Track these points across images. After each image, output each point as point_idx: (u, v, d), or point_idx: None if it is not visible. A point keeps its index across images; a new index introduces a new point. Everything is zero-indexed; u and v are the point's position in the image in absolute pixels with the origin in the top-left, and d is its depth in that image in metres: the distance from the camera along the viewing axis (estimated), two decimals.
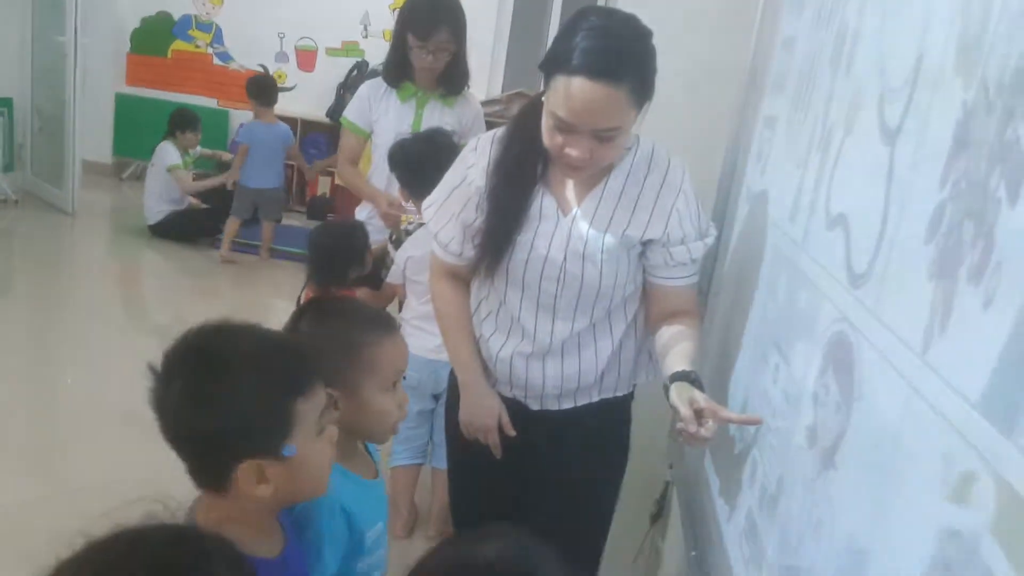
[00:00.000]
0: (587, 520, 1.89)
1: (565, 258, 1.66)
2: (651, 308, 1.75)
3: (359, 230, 2.84)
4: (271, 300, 5.54)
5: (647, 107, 1.54)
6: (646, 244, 1.67)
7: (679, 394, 1.45)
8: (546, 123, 1.55)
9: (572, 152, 1.52)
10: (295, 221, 6.81)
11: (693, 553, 1.73)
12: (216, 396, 1.04)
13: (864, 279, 0.96)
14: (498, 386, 1.84)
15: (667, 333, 1.67)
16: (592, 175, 1.65)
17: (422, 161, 2.51)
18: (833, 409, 1.01)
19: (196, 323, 1.09)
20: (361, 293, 2.78)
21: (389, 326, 1.44)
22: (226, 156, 6.78)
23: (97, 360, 4.27)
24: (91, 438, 3.38)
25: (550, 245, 1.66)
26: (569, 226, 1.67)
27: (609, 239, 1.64)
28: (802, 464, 1.12)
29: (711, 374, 1.77)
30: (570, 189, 1.69)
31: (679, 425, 1.39)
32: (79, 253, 6.23)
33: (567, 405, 1.81)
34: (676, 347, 1.61)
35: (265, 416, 1.06)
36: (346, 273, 2.71)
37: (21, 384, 3.91)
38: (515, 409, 1.82)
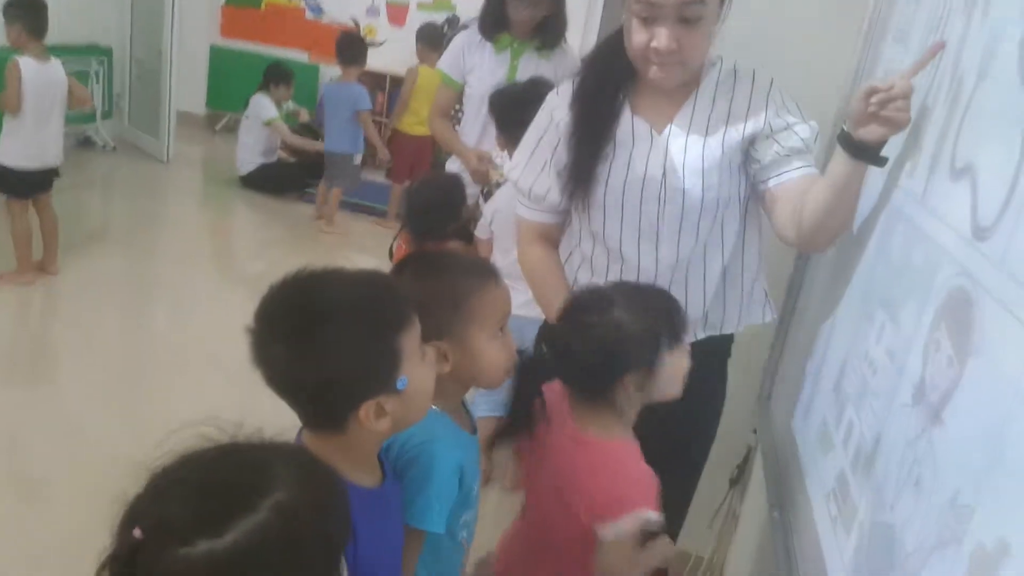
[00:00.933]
0: (679, 466, 1.85)
1: (664, 174, 1.65)
2: (782, 216, 1.62)
3: (457, 184, 2.88)
4: (356, 254, 5.65)
5: (729, 2, 1.56)
6: (751, 145, 1.65)
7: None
8: (629, 25, 1.56)
9: (658, 44, 1.52)
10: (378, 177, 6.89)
11: (776, 514, 1.72)
12: (323, 347, 1.05)
13: (991, 231, 0.94)
14: None
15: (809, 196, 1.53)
16: (679, 90, 1.65)
17: (523, 105, 2.48)
18: (945, 364, 0.99)
19: (284, 273, 1.11)
20: (452, 246, 2.81)
21: (490, 273, 1.43)
22: (304, 115, 6.87)
23: (186, 306, 4.43)
24: (177, 381, 3.53)
25: (647, 164, 1.66)
26: (665, 143, 1.66)
27: (711, 145, 1.63)
28: (904, 422, 1.10)
29: (806, 338, 1.73)
30: (660, 109, 1.69)
31: (873, 101, 1.28)
32: (173, 201, 6.45)
33: None
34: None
35: (375, 358, 1.09)
36: (444, 226, 2.75)
37: (113, 326, 4.08)
38: None
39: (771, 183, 1.64)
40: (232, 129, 7.95)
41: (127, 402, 3.35)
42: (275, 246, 5.61)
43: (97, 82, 6.78)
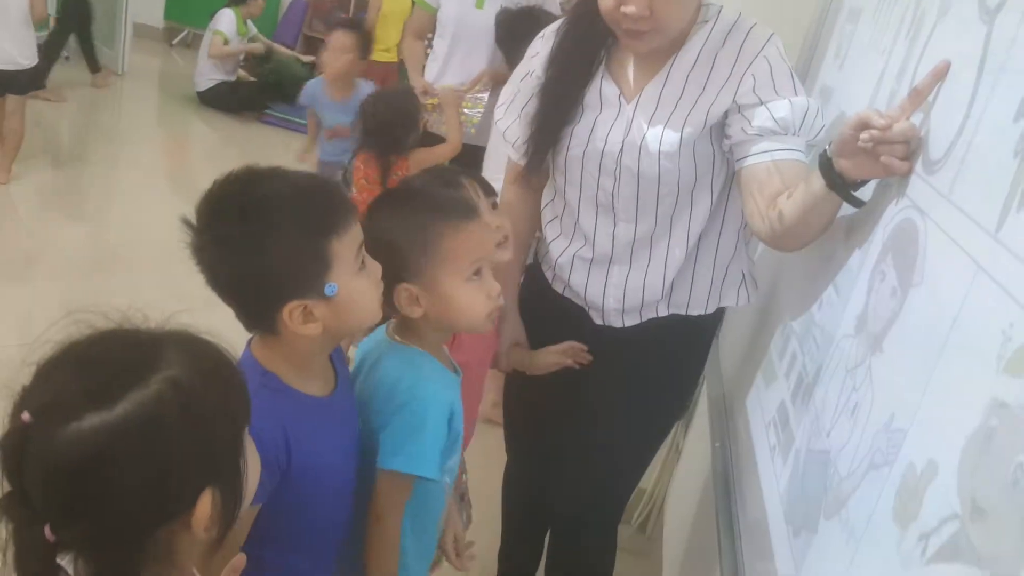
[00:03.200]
0: (630, 448, 1.81)
1: (622, 150, 1.53)
2: (747, 204, 1.45)
3: (411, 95, 2.86)
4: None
5: None
6: (724, 119, 1.47)
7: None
8: None
9: (628, 9, 1.36)
10: None
11: (717, 444, 1.77)
12: (252, 240, 1.03)
13: (939, 164, 0.95)
14: (566, 293, 1.74)
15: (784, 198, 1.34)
16: (658, 54, 1.49)
17: (526, 35, 2.46)
18: (888, 294, 1.01)
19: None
20: (416, 155, 2.80)
21: (465, 212, 1.32)
22: (259, 47, 6.71)
23: (136, 217, 4.36)
24: (125, 276, 3.50)
25: (607, 136, 1.54)
26: (631, 114, 1.52)
27: (675, 122, 1.48)
28: (845, 351, 1.13)
29: (757, 274, 1.75)
30: (633, 73, 1.54)
31: (864, 137, 1.05)
32: (127, 114, 6.28)
33: (631, 322, 1.68)
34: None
35: (300, 257, 1.06)
36: (406, 137, 2.73)
37: (63, 233, 4.00)
38: (578, 321, 1.73)
39: (737, 165, 1.47)
40: (190, 44, 7.74)
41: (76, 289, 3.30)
42: (229, 163, 5.49)
43: None
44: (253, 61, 6.59)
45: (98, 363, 0.76)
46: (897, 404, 0.92)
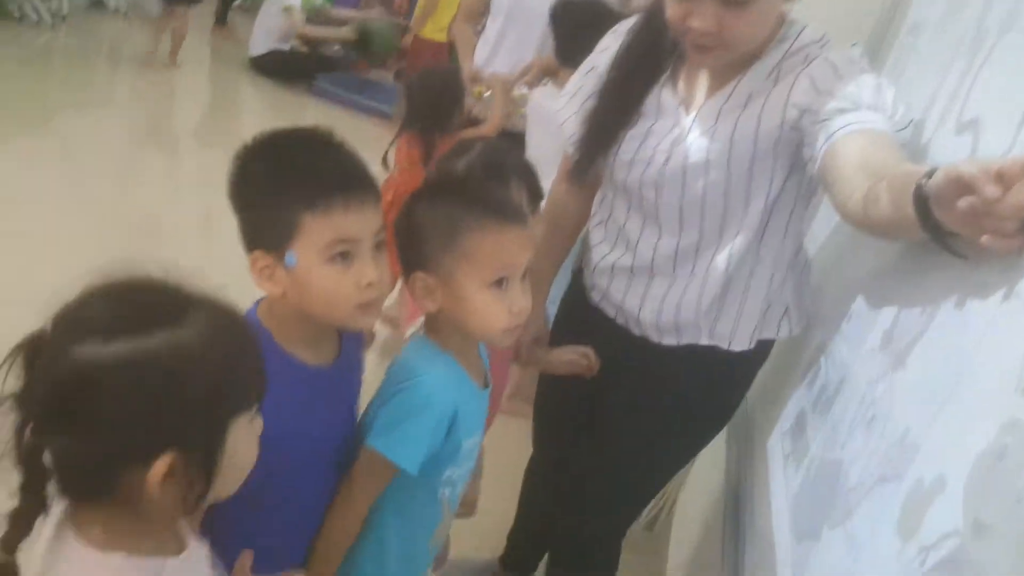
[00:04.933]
0: (648, 468, 1.75)
1: (668, 160, 1.46)
2: (832, 190, 1.23)
3: (456, 75, 2.86)
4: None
5: None
6: (777, 136, 1.37)
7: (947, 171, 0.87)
8: None
9: (695, 24, 1.30)
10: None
11: (733, 449, 1.78)
12: (248, 181, 1.09)
13: None
14: (601, 304, 1.69)
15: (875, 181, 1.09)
16: (727, 69, 1.41)
17: (581, 26, 2.39)
18: (918, 312, 1.01)
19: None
20: (463, 135, 2.81)
21: (505, 213, 1.21)
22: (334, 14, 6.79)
23: (177, 177, 4.44)
24: (160, 237, 3.54)
25: (658, 145, 1.49)
26: (687, 127, 1.46)
27: (717, 143, 1.41)
28: (869, 365, 1.13)
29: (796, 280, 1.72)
30: (700, 85, 1.47)
31: (962, 207, 0.82)
32: (179, 75, 6.35)
33: (668, 341, 1.58)
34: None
35: (272, 213, 1.07)
36: (450, 117, 2.74)
37: (107, 193, 4.07)
38: (614, 333, 1.66)
39: (819, 160, 1.28)
40: (248, 10, 7.80)
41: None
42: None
43: None
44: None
45: (119, 302, 0.79)
46: (913, 419, 0.92)
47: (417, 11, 6.22)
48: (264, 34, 6.26)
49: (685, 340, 1.56)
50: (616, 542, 1.91)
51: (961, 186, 0.82)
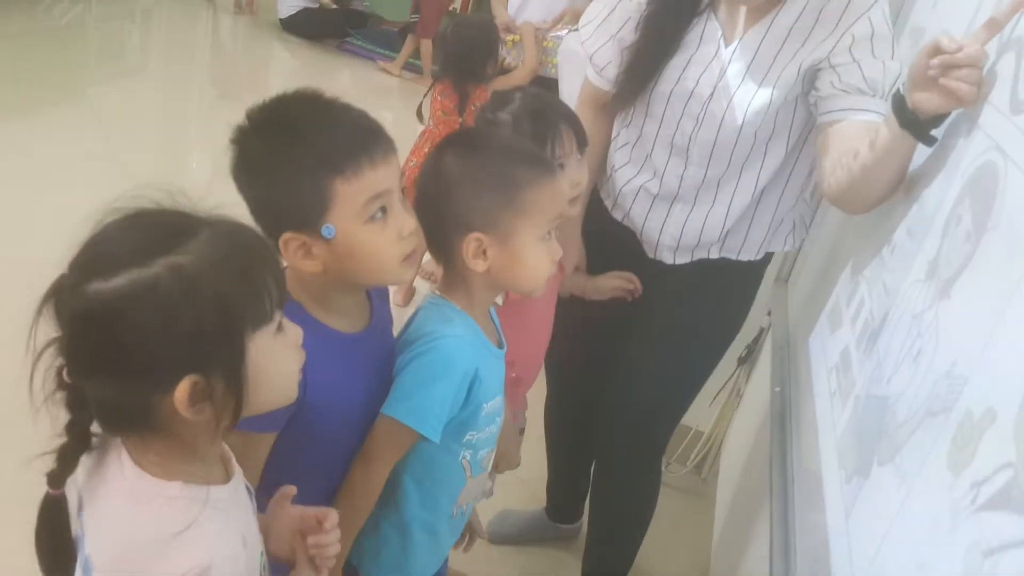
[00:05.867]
0: (675, 378, 1.81)
1: (712, 96, 1.52)
2: (823, 162, 1.43)
3: (492, 25, 2.84)
4: (382, 111, 5.61)
5: None
6: (811, 78, 1.46)
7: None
8: None
9: None
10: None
11: (777, 389, 1.75)
12: (260, 164, 1.03)
13: None
14: (624, 222, 1.75)
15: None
16: (766, 1, 1.46)
17: None
18: (962, 239, 0.98)
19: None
20: (494, 85, 2.79)
21: (549, 164, 1.26)
22: None
23: (212, 146, 4.48)
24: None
25: (699, 78, 1.52)
26: (727, 59, 1.51)
27: (763, 89, 1.46)
28: (913, 297, 1.10)
29: (806, 200, 1.68)
30: (741, 15, 1.51)
31: (933, 63, 1.04)
32: (211, 39, 6.37)
33: (682, 260, 1.70)
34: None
35: (301, 190, 1.03)
36: (484, 67, 2.72)
37: (141, 162, 4.13)
38: (631, 251, 1.74)
39: (820, 120, 1.46)
40: None
41: None
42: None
43: None
44: None
45: (125, 234, 0.79)
46: (960, 351, 0.89)
47: None
48: None
49: (697, 256, 1.68)
50: (655, 464, 1.93)
51: (931, 52, 1.03)
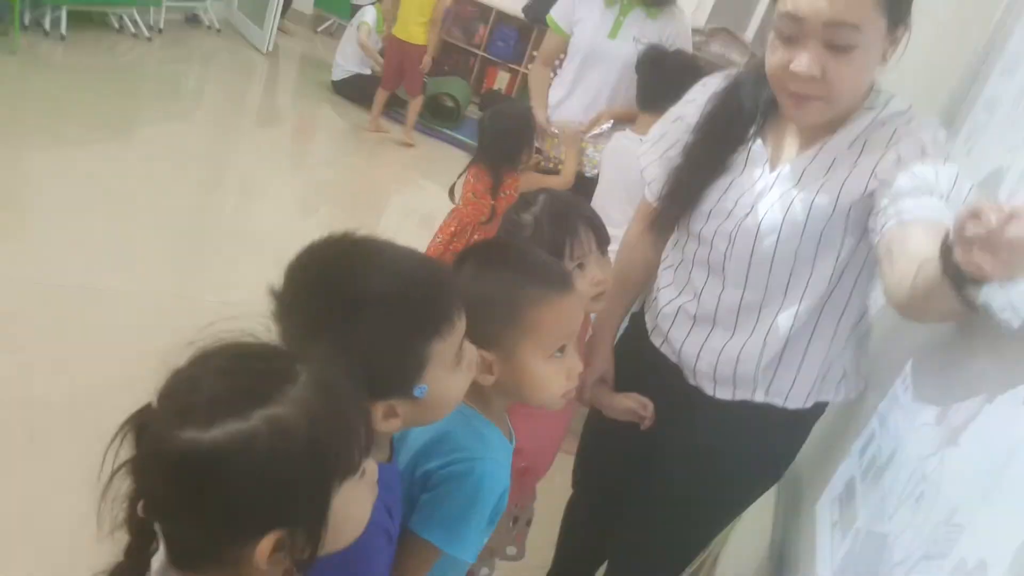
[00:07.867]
0: (700, 517, 1.74)
1: (746, 216, 1.47)
2: (887, 268, 1.25)
3: (529, 114, 2.92)
4: (423, 179, 5.71)
5: (902, 37, 1.32)
6: (859, 203, 1.38)
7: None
8: (771, 37, 1.37)
9: (797, 66, 1.30)
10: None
11: (780, 510, 1.76)
12: (342, 339, 0.93)
13: None
14: (662, 348, 1.68)
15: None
16: (815, 131, 1.44)
17: (667, 75, 2.52)
18: (975, 392, 1.01)
19: (329, 233, 1.01)
20: (526, 177, 2.86)
21: (562, 283, 1.22)
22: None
23: (255, 193, 4.60)
24: (231, 258, 3.67)
25: (739, 200, 1.50)
26: (770, 183, 1.47)
27: (817, 204, 1.40)
28: (922, 440, 1.12)
29: (857, 345, 1.71)
30: (788, 145, 1.49)
31: (968, 230, 0.90)
32: (264, 92, 6.56)
33: (723, 395, 1.59)
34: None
35: (395, 361, 0.98)
36: (519, 154, 2.79)
37: (184, 200, 4.23)
38: (671, 379, 1.67)
39: (876, 238, 1.33)
40: (334, 34, 8.04)
41: (180, 268, 3.50)
42: (350, 156, 5.71)
43: None
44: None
45: (221, 377, 0.78)
46: (961, 499, 0.92)
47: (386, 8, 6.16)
48: (345, 58, 6.42)
49: (740, 395, 1.57)
50: None
51: (970, 216, 0.90)
